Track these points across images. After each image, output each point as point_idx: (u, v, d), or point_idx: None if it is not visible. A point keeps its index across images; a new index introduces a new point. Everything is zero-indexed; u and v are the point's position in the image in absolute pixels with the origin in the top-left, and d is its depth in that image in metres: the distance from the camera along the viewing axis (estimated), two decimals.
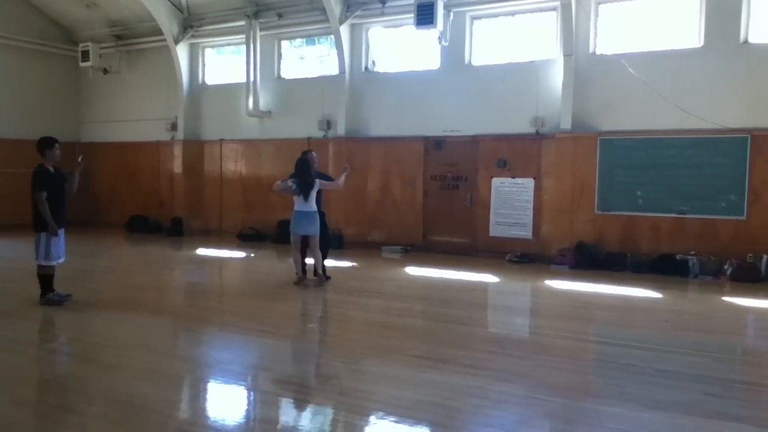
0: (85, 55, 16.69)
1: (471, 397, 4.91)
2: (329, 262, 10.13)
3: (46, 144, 7.81)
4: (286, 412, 4.83)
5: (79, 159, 8.30)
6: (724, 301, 9.01)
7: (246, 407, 4.99)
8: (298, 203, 9.26)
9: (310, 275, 9.62)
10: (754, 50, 10.58)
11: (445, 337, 6.87)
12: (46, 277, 7.92)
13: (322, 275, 9.59)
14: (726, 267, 10.38)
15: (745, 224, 10.54)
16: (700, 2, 10.96)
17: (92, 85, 17.70)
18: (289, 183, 9.16)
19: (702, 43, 10.92)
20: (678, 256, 10.69)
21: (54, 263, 7.89)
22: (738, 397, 5.21)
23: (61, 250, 7.95)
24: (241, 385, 5.46)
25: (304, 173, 9.22)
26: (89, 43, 16.67)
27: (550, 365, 5.89)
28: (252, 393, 5.31)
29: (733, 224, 10.63)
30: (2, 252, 13.11)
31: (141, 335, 6.84)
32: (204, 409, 4.94)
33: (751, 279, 10.03)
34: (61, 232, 7.89)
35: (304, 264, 9.53)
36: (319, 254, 9.48)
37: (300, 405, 4.96)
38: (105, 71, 17.10)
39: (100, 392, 5.04)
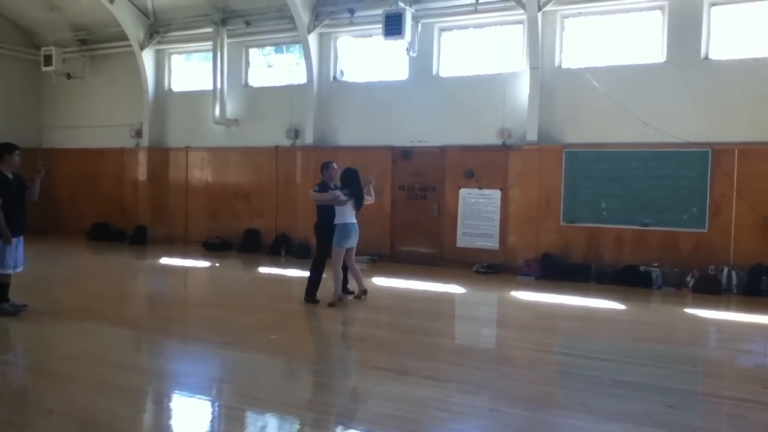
0: (48, 60, 16.36)
1: (433, 410, 4.88)
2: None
3: (5, 149, 7.64)
4: (248, 426, 4.75)
5: (39, 166, 8.12)
6: (686, 312, 9.12)
7: (206, 421, 4.89)
8: (348, 215, 8.71)
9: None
10: (715, 66, 10.81)
11: (408, 349, 6.83)
12: (0, 286, 7.70)
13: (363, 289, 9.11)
14: (688, 279, 10.53)
15: (707, 237, 10.72)
16: (662, 19, 11.18)
17: (55, 90, 17.34)
18: (338, 193, 8.65)
19: (664, 59, 11.12)
20: (641, 268, 10.82)
21: (9, 272, 7.67)
22: (698, 409, 5.26)
23: (19, 258, 7.75)
24: (201, 398, 5.35)
25: (357, 185, 8.84)
26: (52, 48, 16.34)
27: (513, 376, 5.89)
28: (212, 406, 5.20)
29: (694, 236, 10.80)
30: None
31: (99, 347, 6.67)
32: (163, 424, 4.83)
33: (712, 291, 10.17)
34: (21, 240, 7.71)
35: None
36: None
37: (261, 418, 4.88)
38: (68, 76, 16.79)
39: (55, 406, 4.90)
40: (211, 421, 4.88)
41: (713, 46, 10.88)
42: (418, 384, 5.50)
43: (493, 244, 12.43)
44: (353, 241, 8.86)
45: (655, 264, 10.83)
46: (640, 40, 11.44)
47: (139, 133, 16.26)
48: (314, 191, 8.88)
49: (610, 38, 11.67)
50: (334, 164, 9.10)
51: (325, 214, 8.87)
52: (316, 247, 9.20)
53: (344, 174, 8.88)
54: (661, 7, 11.18)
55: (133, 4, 15.31)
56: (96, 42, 16.75)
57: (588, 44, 11.84)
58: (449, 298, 10.11)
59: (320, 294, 8.85)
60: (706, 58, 10.88)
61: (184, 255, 14.05)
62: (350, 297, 9.13)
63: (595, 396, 5.28)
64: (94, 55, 17.04)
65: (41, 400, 5.11)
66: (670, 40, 11.06)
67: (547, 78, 11.86)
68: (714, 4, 10.86)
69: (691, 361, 6.95)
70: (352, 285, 9.31)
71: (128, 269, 12.80)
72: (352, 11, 13.29)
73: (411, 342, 7.13)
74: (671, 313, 9.16)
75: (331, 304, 8.63)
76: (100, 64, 17.08)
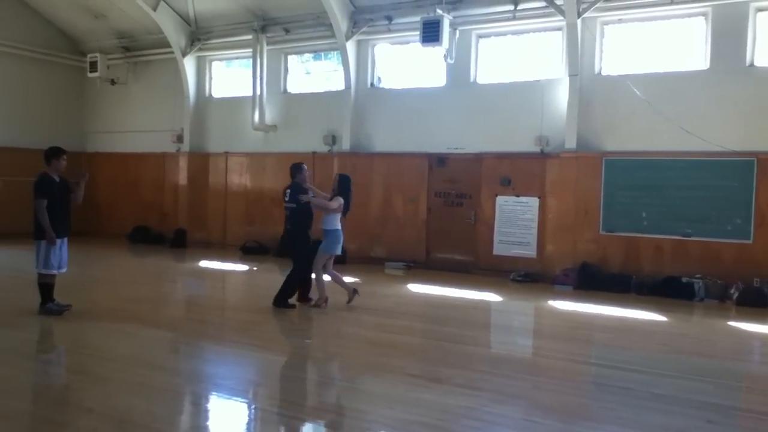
0: (93, 66, 16.83)
1: (464, 419, 4.83)
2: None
3: (53, 153, 7.84)
4: (279, 430, 4.77)
5: (84, 170, 8.30)
6: (729, 325, 8.90)
7: (240, 424, 4.93)
8: (338, 222, 8.75)
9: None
10: (760, 73, 10.54)
11: (441, 356, 6.80)
12: (45, 286, 7.87)
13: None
14: (732, 291, 10.26)
15: (751, 248, 10.44)
16: (706, 25, 10.96)
17: (99, 95, 17.80)
18: (342, 201, 8.70)
19: (708, 66, 10.90)
20: (684, 279, 10.58)
21: (54, 272, 7.83)
22: (739, 425, 5.12)
23: (63, 259, 7.90)
24: (235, 400, 5.40)
25: (349, 191, 8.91)
26: (97, 54, 16.83)
27: (547, 387, 5.81)
28: (246, 409, 5.25)
29: (737, 248, 10.53)
30: (2, 261, 13.11)
31: (138, 348, 6.78)
32: (198, 426, 4.87)
33: (757, 304, 9.88)
34: (64, 241, 7.87)
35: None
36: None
37: (292, 423, 4.90)
38: (112, 82, 17.22)
39: (94, 406, 4.97)
40: (246, 423, 4.92)
41: (758, 52, 10.62)
42: (450, 392, 5.46)
43: (530, 252, 12.29)
44: (340, 248, 8.92)
45: (698, 275, 10.59)
46: (682, 47, 11.23)
47: (180, 139, 16.56)
48: (311, 197, 8.71)
49: (652, 45, 11.48)
50: (305, 165, 9.12)
51: (304, 220, 8.75)
52: (297, 257, 8.87)
53: (341, 181, 8.91)
54: (704, 14, 10.96)
55: (176, 12, 15.64)
56: (139, 49, 17.16)
57: (628, 51, 11.67)
58: (484, 306, 10.03)
59: (359, 296, 8.94)
60: (752, 65, 10.63)
61: (222, 258, 14.23)
62: (309, 306, 8.90)
63: (631, 409, 5.16)
64: (137, 62, 17.44)
65: (82, 399, 5.21)
66: (713, 46, 10.83)
67: (586, 85, 11.71)
68: (760, 10, 10.61)
69: (734, 375, 6.76)
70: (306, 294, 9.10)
71: (167, 272, 13.01)
72: (389, 18, 13.35)
73: (444, 350, 7.10)
74: (714, 325, 8.95)
75: (315, 305, 8.80)
76: (142, 71, 17.47)
